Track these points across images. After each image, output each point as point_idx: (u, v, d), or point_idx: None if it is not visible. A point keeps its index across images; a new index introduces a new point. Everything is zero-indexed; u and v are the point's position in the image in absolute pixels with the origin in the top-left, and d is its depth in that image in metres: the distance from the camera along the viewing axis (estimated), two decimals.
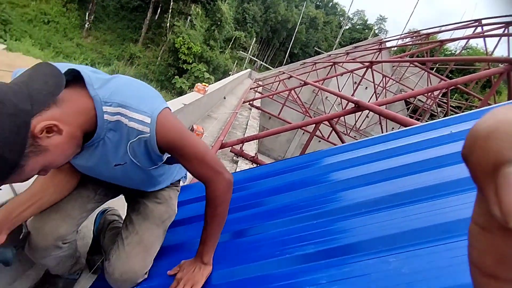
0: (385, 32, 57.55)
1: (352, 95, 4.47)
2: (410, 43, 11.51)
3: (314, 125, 2.59)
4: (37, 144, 0.56)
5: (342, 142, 2.75)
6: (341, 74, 6.93)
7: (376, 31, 52.94)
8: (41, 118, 0.56)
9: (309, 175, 1.36)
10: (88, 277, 1.13)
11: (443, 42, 6.67)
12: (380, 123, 4.87)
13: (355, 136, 9.57)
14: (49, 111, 0.58)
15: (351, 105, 2.45)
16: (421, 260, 0.57)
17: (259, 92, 7.43)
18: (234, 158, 3.26)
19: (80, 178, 0.92)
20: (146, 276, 0.90)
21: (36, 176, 0.68)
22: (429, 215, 0.67)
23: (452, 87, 3.59)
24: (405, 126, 1.45)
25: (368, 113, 10.13)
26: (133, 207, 1.00)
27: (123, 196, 1.10)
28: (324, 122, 2.54)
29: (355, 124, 9.97)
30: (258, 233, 1.02)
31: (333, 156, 1.46)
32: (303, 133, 10.57)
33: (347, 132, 9.03)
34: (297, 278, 0.74)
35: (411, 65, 9.63)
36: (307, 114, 7.32)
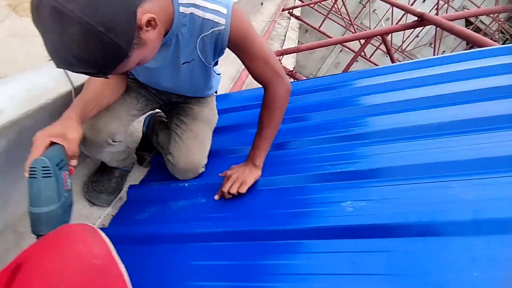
0: None
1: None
2: None
3: (359, 41, 2.36)
4: (139, 37, 0.56)
5: (393, 63, 2.53)
6: None
7: None
8: (142, 10, 0.55)
9: (350, 94, 1.31)
10: (140, 170, 1.27)
11: None
12: (434, 45, 4.33)
13: (397, 58, 8.70)
14: (146, 4, 0.56)
15: (405, 19, 2.13)
16: (487, 189, 0.56)
17: (299, 0, 6.65)
18: None
19: (128, 86, 0.97)
20: (204, 169, 1.03)
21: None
22: (493, 146, 0.64)
23: None
24: (481, 47, 1.27)
25: (419, 32, 8.97)
26: (178, 112, 1.08)
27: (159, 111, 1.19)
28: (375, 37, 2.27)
29: (401, 44, 8.98)
30: (295, 148, 1.06)
31: (377, 76, 1.37)
32: (341, 50, 9.76)
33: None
34: (335, 193, 0.78)
35: None
36: (350, 28, 6.61)
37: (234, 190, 0.85)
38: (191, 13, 0.69)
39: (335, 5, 6.57)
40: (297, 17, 5.32)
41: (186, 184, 1.00)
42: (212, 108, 1.13)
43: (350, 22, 6.38)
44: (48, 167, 0.55)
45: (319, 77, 1.62)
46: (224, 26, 0.71)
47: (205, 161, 1.03)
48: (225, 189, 0.86)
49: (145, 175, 1.21)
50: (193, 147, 1.00)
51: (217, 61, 0.94)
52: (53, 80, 0.85)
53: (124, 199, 1.10)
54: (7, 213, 0.92)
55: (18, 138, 0.77)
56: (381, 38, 2.19)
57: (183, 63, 0.81)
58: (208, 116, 1.10)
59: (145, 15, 0.55)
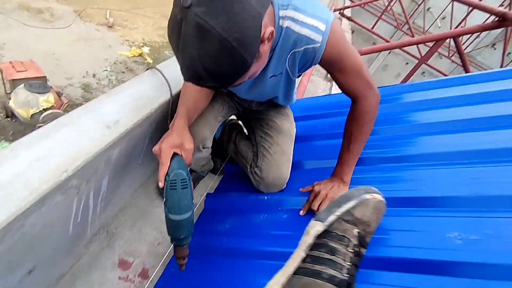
0: None
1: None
2: None
3: (420, 45, 2.16)
4: (259, 50, 0.56)
5: (467, 71, 2.26)
6: None
7: None
8: (264, 24, 0.54)
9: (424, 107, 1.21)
10: (211, 177, 1.31)
11: None
12: (505, 47, 3.89)
13: (455, 61, 8.07)
14: (265, 17, 0.55)
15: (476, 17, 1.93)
16: None
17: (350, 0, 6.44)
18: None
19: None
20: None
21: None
22: None
23: None
24: None
25: (479, 34, 8.24)
26: (261, 124, 1.10)
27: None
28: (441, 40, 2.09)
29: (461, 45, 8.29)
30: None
31: (447, 88, 1.24)
32: (389, 52, 9.29)
33: (448, 55, 7.49)
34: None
35: None
36: (404, 28, 6.24)
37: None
38: (287, 26, 0.67)
39: (386, 4, 6.26)
40: (348, 18, 5.16)
41: (265, 198, 1.01)
42: (292, 121, 1.14)
43: (403, 22, 6.03)
44: (186, 179, 0.63)
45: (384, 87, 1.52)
46: (319, 44, 0.68)
47: (288, 177, 1.03)
48: (315, 207, 0.86)
49: (219, 183, 1.25)
50: (281, 162, 1.01)
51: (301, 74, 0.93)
52: (153, 89, 0.91)
53: (202, 207, 1.13)
54: (104, 215, 0.99)
55: (128, 146, 0.83)
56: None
57: (270, 77, 0.81)
58: (289, 130, 1.10)
59: (268, 29, 0.55)
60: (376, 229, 0.58)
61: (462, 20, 6.41)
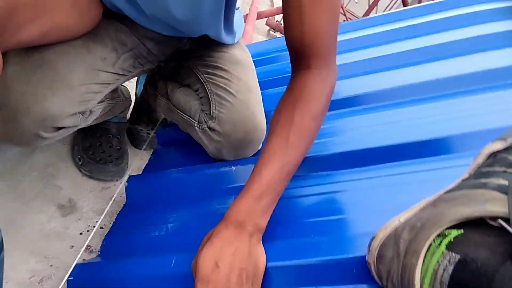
0: None
1: None
2: None
3: None
4: None
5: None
6: None
7: None
8: None
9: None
10: (139, 154, 0.82)
11: None
12: None
13: None
14: None
15: None
16: None
17: None
18: (272, 32, 2.65)
19: (100, 25, 0.52)
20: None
21: None
22: None
23: None
24: None
25: None
26: (202, 59, 0.67)
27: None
28: None
29: None
30: None
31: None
32: None
33: None
34: None
35: None
36: None
37: None
38: None
39: None
40: None
41: (233, 169, 0.58)
42: (246, 51, 0.73)
43: None
44: None
45: None
46: None
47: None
48: None
49: (149, 160, 0.76)
50: (252, 104, 0.60)
51: None
52: None
53: (120, 204, 0.65)
54: None
55: None
56: None
57: None
58: (247, 59, 0.69)
59: None
60: None
61: None
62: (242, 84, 0.62)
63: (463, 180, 0.33)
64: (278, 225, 0.44)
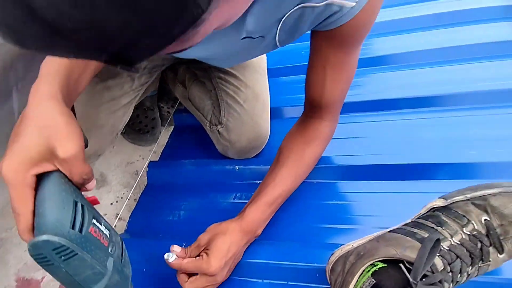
0: None
1: None
2: None
3: None
4: None
5: None
6: None
7: None
8: None
9: None
10: (163, 131, 0.94)
11: None
12: None
13: None
14: None
15: None
16: None
17: None
18: None
19: None
20: None
21: None
22: None
23: None
24: None
25: None
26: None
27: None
28: None
29: None
30: None
31: None
32: None
33: None
34: None
35: None
36: None
37: None
38: None
39: None
40: None
41: (236, 168, 0.69)
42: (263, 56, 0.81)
43: None
44: (62, 246, 0.28)
45: None
46: (351, 8, 0.41)
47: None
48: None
49: (167, 142, 0.88)
50: (257, 113, 0.69)
51: None
52: None
53: (144, 183, 0.79)
54: None
55: None
56: None
57: (243, 38, 0.46)
58: (258, 61, 0.76)
59: None
60: None
61: None
62: (250, 92, 0.70)
63: (405, 224, 0.44)
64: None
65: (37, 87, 0.33)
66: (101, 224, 0.34)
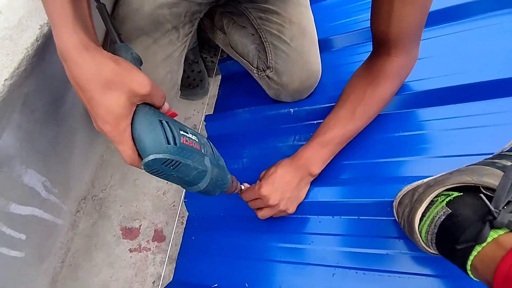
0: None
1: None
2: None
3: None
4: None
5: None
6: None
7: None
8: None
9: None
10: (212, 82, 0.97)
11: None
12: None
13: None
14: None
15: None
16: None
17: None
18: None
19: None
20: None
21: None
22: None
23: None
24: None
25: None
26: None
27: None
28: None
29: None
30: None
31: None
32: None
33: None
34: None
35: None
36: None
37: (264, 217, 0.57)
38: None
39: None
40: None
41: (291, 111, 0.70)
42: None
43: None
44: (167, 160, 0.35)
45: None
46: None
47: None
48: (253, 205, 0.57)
49: (217, 94, 0.91)
50: (306, 50, 0.66)
51: None
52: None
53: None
54: (76, 179, 0.75)
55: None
56: None
57: None
58: None
59: None
60: None
61: None
62: (295, 28, 0.66)
63: (485, 159, 0.41)
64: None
65: (63, 40, 0.34)
66: (188, 133, 0.40)
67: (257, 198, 0.54)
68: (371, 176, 0.55)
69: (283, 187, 0.54)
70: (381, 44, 0.51)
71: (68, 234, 0.74)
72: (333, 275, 0.50)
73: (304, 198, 0.57)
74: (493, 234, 0.33)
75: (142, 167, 0.35)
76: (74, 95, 0.64)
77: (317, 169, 0.55)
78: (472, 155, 0.50)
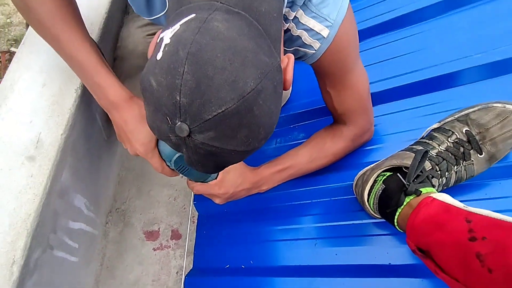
0: None
1: None
2: None
3: None
4: None
5: None
6: None
7: None
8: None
9: None
10: None
11: None
12: None
13: None
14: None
15: None
16: None
17: None
18: None
19: None
20: None
21: None
22: None
23: None
24: None
25: None
26: None
27: None
28: None
29: None
30: None
31: None
32: None
33: None
34: None
35: None
36: None
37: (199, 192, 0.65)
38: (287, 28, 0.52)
39: None
40: None
41: None
42: None
43: None
44: None
45: None
46: (314, 52, 0.53)
47: None
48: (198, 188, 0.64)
49: None
50: None
51: None
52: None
53: None
54: (103, 199, 0.91)
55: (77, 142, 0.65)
56: None
57: None
58: None
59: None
60: (504, 138, 0.53)
61: None
62: None
63: (409, 145, 0.59)
64: None
65: (111, 96, 0.52)
66: None
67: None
68: (336, 165, 0.72)
69: (232, 184, 0.62)
70: (335, 117, 0.67)
71: (102, 242, 0.91)
72: (315, 244, 0.67)
73: (288, 189, 0.73)
74: (407, 200, 0.50)
75: (172, 166, 0.51)
76: (99, 133, 0.80)
77: (267, 188, 0.68)
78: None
